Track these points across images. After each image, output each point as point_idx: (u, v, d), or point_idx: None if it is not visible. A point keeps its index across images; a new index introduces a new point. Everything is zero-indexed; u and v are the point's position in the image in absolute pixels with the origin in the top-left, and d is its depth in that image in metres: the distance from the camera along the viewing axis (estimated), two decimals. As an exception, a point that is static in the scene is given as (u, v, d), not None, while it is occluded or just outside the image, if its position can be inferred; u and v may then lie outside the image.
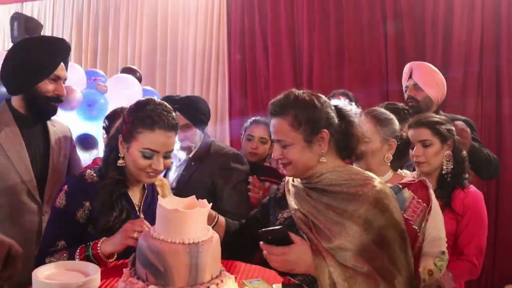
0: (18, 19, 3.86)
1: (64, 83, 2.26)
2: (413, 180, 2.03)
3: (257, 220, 2.00)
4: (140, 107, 1.78)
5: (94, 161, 2.60)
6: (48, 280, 1.40)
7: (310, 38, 5.11)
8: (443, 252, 2.01)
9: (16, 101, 2.20)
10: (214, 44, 5.65)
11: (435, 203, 2.00)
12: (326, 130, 1.66)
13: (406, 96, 3.20)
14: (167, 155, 1.81)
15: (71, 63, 3.93)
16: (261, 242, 1.52)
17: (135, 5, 6.17)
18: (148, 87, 4.63)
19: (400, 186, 1.97)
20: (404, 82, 3.30)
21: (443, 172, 2.27)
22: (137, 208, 1.89)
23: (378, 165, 2.08)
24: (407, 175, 2.24)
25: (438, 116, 2.41)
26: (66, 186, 1.80)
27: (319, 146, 1.66)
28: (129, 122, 1.78)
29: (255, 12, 5.39)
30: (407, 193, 1.96)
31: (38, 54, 2.17)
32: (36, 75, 2.16)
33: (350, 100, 3.34)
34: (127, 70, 4.56)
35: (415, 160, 2.28)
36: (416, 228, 1.90)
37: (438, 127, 2.27)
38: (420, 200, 1.92)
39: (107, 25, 6.34)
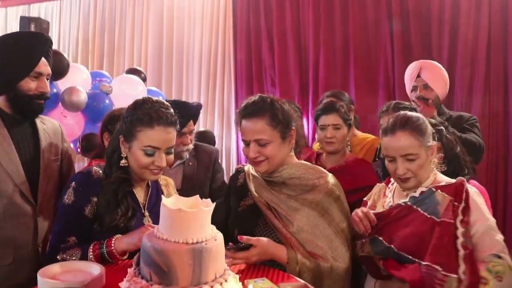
0: (35, 21, 3.86)
1: (48, 79, 2.16)
2: (450, 182, 1.84)
3: (222, 209, 2.12)
4: (138, 106, 1.81)
5: (89, 164, 2.58)
6: (54, 280, 1.41)
7: (316, 36, 5.10)
8: (499, 256, 1.70)
9: (1, 101, 2.12)
10: (220, 44, 5.66)
11: (476, 205, 1.79)
12: (294, 128, 1.93)
13: (414, 96, 3.04)
14: (169, 151, 1.83)
15: (76, 65, 3.94)
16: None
17: (141, 6, 6.19)
18: (153, 88, 4.64)
19: (433, 189, 1.82)
20: (411, 82, 3.16)
21: None
22: (142, 206, 1.91)
23: (428, 173, 1.89)
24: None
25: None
26: (73, 182, 1.82)
27: (289, 142, 1.93)
28: (128, 122, 1.80)
29: (260, 11, 5.39)
30: (439, 195, 1.79)
31: (16, 51, 2.08)
32: (16, 73, 2.06)
33: (341, 101, 3.26)
34: (132, 71, 4.57)
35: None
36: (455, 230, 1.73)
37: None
38: (456, 203, 1.75)
39: (113, 26, 6.36)
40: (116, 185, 1.81)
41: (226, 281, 1.34)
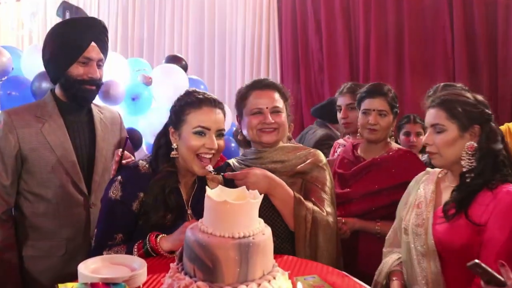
0: (69, 9, 3.87)
1: (100, 64, 2.17)
2: None
3: None
4: (185, 94, 1.90)
5: None
6: (94, 274, 1.39)
7: (367, 18, 4.91)
8: None
9: (58, 90, 2.16)
10: (264, 27, 5.57)
11: None
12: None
13: None
14: (219, 134, 1.84)
15: (114, 54, 3.90)
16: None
17: (181, -8, 6.15)
18: (194, 76, 4.58)
19: None
20: None
21: (464, 169, 1.75)
22: (186, 203, 1.89)
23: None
24: None
25: (468, 94, 1.82)
26: (119, 177, 1.81)
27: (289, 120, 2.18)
28: (177, 109, 1.85)
29: (307, -8, 5.23)
30: None
31: (66, 37, 2.10)
32: (65, 59, 2.09)
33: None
34: (172, 59, 4.50)
35: (426, 150, 1.84)
36: None
37: (457, 108, 1.74)
38: None
39: (152, 13, 6.37)
40: (163, 181, 1.79)
41: (274, 278, 1.27)
